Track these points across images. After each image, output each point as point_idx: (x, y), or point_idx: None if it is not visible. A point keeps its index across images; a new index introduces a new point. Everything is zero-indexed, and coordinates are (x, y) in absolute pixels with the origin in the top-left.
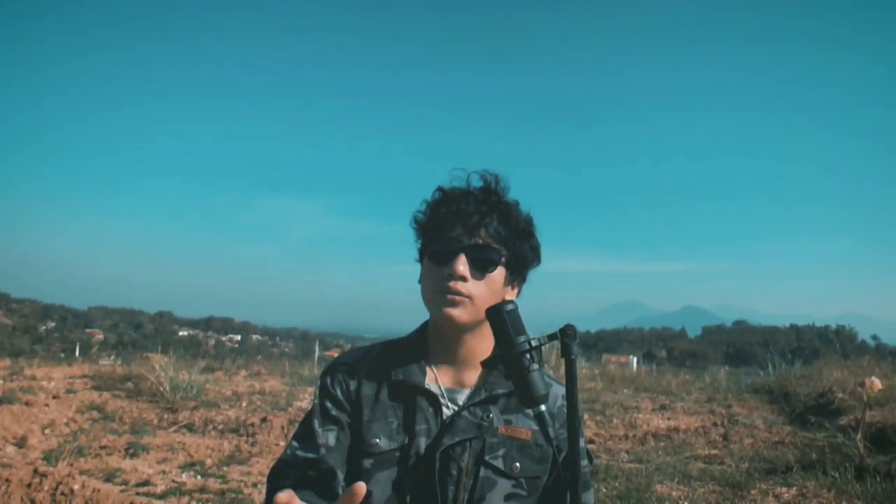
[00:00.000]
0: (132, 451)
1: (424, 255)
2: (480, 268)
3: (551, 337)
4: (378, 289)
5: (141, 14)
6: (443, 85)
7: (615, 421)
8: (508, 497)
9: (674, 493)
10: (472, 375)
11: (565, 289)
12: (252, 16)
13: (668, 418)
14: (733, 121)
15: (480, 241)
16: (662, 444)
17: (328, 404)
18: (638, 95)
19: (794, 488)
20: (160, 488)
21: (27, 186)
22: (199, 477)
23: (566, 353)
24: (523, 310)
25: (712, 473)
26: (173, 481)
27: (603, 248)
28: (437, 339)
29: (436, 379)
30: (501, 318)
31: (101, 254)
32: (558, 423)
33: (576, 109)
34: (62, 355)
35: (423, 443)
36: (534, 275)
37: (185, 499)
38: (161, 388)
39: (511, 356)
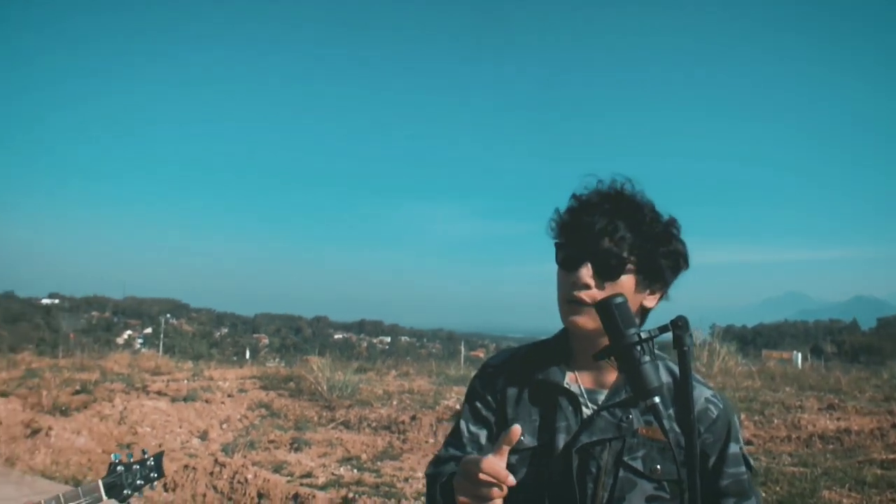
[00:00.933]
0: (296, 445)
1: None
2: (605, 276)
3: (662, 329)
4: (518, 289)
5: None
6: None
7: (776, 421)
8: (650, 499)
9: (845, 501)
10: (613, 376)
11: (719, 282)
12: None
13: (838, 419)
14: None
15: (604, 249)
16: (831, 446)
17: (478, 405)
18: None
19: None
20: (321, 480)
21: (197, 205)
22: (355, 471)
23: (678, 344)
24: (672, 306)
25: (891, 480)
26: (333, 474)
27: (759, 238)
28: (575, 342)
29: (576, 379)
30: (611, 311)
31: (265, 266)
32: (703, 426)
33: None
34: (234, 358)
35: (562, 440)
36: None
37: (344, 490)
38: (319, 388)
39: (621, 348)
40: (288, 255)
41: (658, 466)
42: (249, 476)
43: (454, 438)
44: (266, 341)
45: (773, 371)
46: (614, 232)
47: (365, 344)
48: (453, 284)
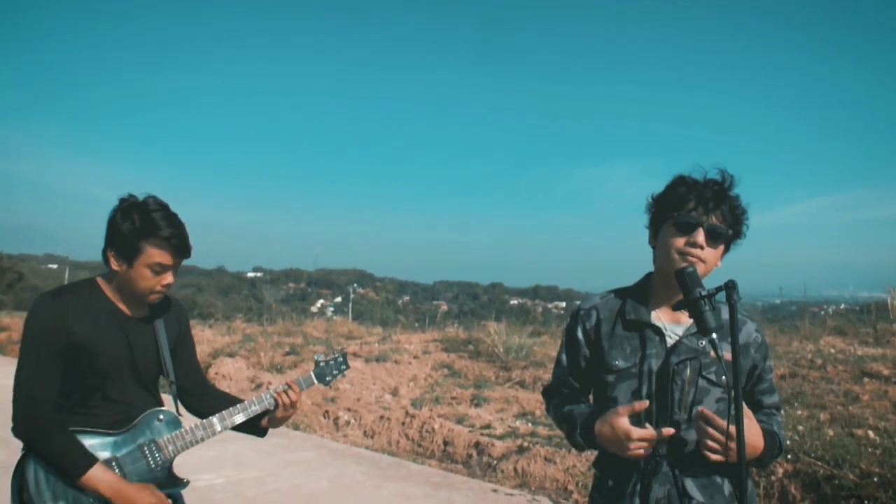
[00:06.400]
0: (476, 401)
1: (661, 224)
2: (713, 241)
3: (718, 289)
4: None
5: None
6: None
7: None
8: (718, 400)
9: None
10: (687, 316)
11: None
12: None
13: None
14: None
15: (716, 221)
16: None
17: (575, 341)
18: None
19: None
20: (499, 431)
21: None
22: (530, 424)
23: (728, 299)
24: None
25: None
26: (509, 426)
27: None
28: (663, 287)
29: (658, 317)
30: (683, 276)
31: (443, 233)
32: (754, 349)
33: None
34: (416, 324)
35: (654, 361)
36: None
37: (520, 440)
38: (496, 350)
39: (690, 301)
40: (465, 223)
41: (724, 378)
42: (436, 426)
43: (558, 368)
44: (445, 308)
45: None
46: (724, 209)
47: (540, 309)
48: (628, 247)
